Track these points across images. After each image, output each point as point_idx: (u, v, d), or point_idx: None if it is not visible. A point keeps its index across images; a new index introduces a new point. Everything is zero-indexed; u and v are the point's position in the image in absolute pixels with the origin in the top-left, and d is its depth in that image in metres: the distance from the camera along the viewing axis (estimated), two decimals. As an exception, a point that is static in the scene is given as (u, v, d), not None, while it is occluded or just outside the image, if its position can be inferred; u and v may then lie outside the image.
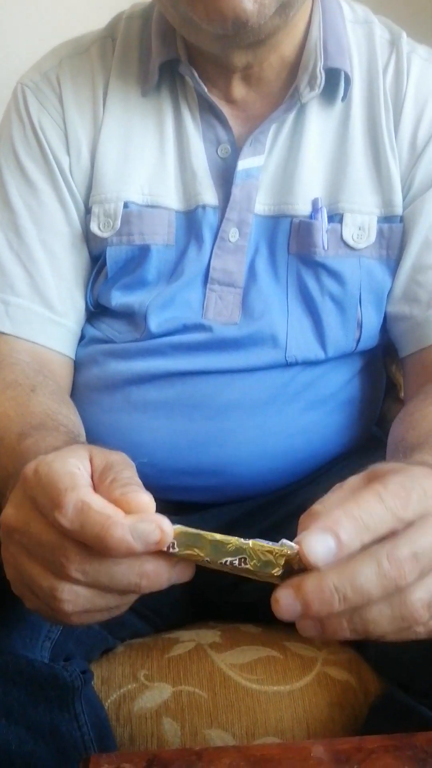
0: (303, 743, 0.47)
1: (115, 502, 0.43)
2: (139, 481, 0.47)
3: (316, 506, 0.44)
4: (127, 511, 0.43)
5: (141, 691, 0.70)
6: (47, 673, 0.62)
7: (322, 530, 0.39)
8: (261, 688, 0.70)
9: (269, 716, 0.68)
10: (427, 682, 0.62)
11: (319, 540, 0.39)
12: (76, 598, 0.43)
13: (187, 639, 0.75)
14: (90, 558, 0.42)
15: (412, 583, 0.41)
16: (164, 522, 0.43)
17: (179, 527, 0.44)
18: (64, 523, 0.42)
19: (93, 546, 0.42)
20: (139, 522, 0.42)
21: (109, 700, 0.70)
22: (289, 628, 0.78)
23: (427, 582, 0.42)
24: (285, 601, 0.40)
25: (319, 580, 0.39)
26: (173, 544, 0.43)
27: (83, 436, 0.69)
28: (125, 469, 0.47)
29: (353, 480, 0.46)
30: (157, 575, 0.43)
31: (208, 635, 0.76)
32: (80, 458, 0.47)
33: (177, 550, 0.43)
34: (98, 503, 0.42)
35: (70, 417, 0.72)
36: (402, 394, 0.96)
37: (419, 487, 0.43)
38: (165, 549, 0.43)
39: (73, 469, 0.45)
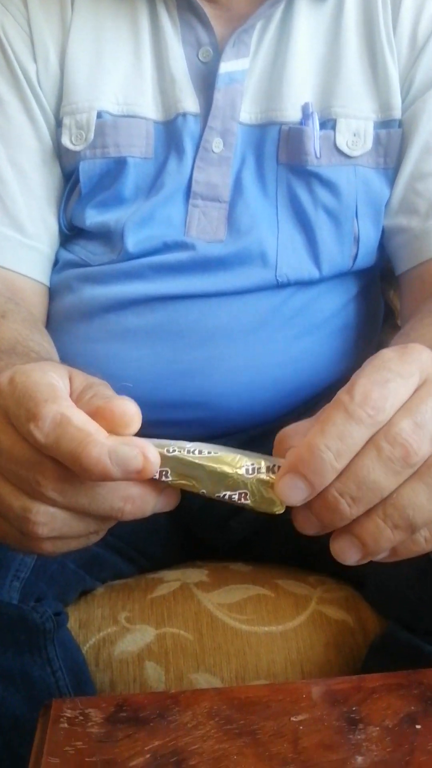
0: (294, 683, 0.42)
1: (97, 415, 0.37)
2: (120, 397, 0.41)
3: (289, 429, 0.39)
4: (110, 424, 0.37)
5: (122, 634, 0.65)
6: (15, 614, 0.58)
7: (290, 474, 0.35)
8: (251, 628, 0.65)
9: (260, 659, 0.64)
10: (433, 620, 0.57)
11: (288, 485, 0.35)
12: (51, 520, 0.37)
13: (172, 579, 0.70)
14: (69, 477, 0.37)
15: (428, 453, 0.35)
16: (149, 450, 0.36)
17: (176, 453, 0.38)
18: (39, 436, 0.36)
19: (68, 465, 0.36)
20: (121, 445, 0.36)
21: (87, 645, 0.65)
22: (281, 565, 0.74)
23: None
24: (297, 523, 0.37)
25: (323, 492, 0.35)
26: (166, 472, 0.37)
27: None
28: (107, 389, 0.41)
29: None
30: (143, 501, 0.38)
31: (194, 574, 0.71)
32: (60, 374, 0.41)
33: (170, 479, 0.37)
34: (79, 418, 0.36)
35: (43, 344, 0.66)
36: (399, 321, 0.90)
37: (393, 372, 0.36)
38: (156, 477, 0.37)
39: (52, 381, 0.39)
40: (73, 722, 0.41)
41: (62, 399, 0.37)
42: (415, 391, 0.36)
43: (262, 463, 0.38)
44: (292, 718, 0.39)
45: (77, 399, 0.40)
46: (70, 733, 0.40)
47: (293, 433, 0.38)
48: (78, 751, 0.38)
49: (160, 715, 0.40)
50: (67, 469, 0.36)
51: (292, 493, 0.35)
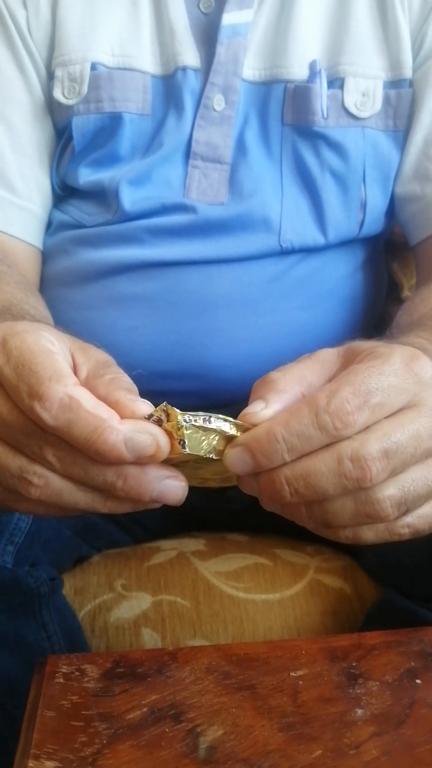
0: (293, 641, 0.42)
1: (116, 405, 0.36)
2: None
3: (274, 374, 0.39)
4: (121, 415, 0.36)
5: (118, 601, 0.65)
6: (8, 578, 0.57)
7: (242, 447, 0.35)
8: (248, 596, 0.64)
9: (257, 626, 0.63)
10: (431, 586, 0.57)
11: (237, 457, 0.36)
12: (46, 483, 0.37)
13: (169, 548, 0.70)
14: (69, 447, 0.36)
15: (380, 482, 0.35)
16: (161, 438, 0.36)
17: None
18: (47, 418, 0.34)
19: (77, 446, 0.35)
20: (136, 432, 0.35)
21: (82, 612, 0.65)
22: (279, 535, 0.74)
23: (402, 479, 0.36)
24: (239, 481, 0.38)
25: (272, 472, 0.35)
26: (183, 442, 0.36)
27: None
28: (124, 375, 0.40)
29: (325, 353, 0.40)
30: (137, 482, 0.36)
31: (191, 544, 0.70)
32: (57, 338, 0.39)
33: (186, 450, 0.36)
34: (89, 401, 0.35)
35: (38, 308, 0.64)
36: (403, 294, 0.89)
37: (384, 387, 0.35)
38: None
39: (48, 347, 0.37)
40: (68, 677, 0.40)
41: (67, 377, 0.36)
42: (401, 410, 0.36)
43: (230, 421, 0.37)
44: (291, 674, 0.38)
45: (90, 374, 0.39)
46: (66, 687, 0.39)
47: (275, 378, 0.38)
48: (74, 705, 0.38)
49: (157, 671, 0.40)
50: (64, 442, 0.36)
51: (239, 464, 0.36)
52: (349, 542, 0.37)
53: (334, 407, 0.34)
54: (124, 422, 0.35)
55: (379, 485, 0.35)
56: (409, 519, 0.37)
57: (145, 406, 0.37)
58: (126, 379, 0.39)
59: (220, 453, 0.36)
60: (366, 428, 0.35)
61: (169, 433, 0.36)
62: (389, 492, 0.35)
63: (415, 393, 0.36)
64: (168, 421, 0.36)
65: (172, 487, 0.37)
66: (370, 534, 0.37)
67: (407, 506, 0.36)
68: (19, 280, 0.66)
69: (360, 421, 0.34)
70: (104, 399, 0.36)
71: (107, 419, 0.35)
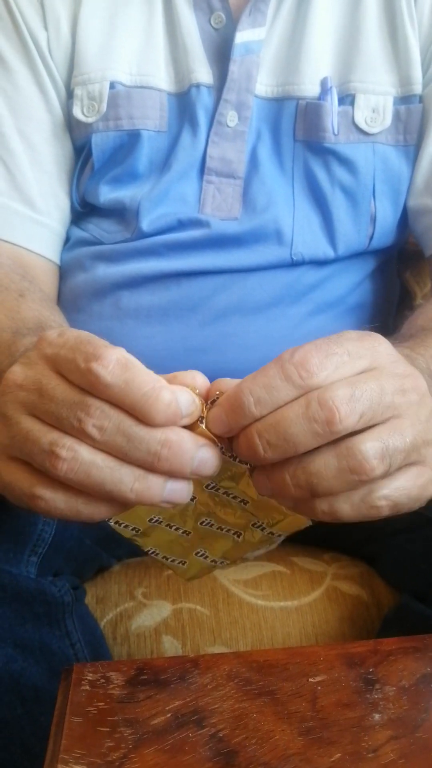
0: (311, 647, 0.42)
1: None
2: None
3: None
4: None
5: (139, 609, 0.66)
6: (33, 588, 0.58)
7: (218, 407, 0.37)
8: (267, 603, 0.65)
9: (276, 633, 0.64)
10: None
11: (214, 416, 0.38)
12: (74, 456, 0.36)
13: (188, 556, 0.71)
14: (112, 414, 0.36)
15: (352, 427, 0.35)
16: (197, 399, 0.38)
17: None
18: (105, 374, 0.36)
19: (131, 407, 0.36)
20: (180, 394, 0.37)
21: (104, 620, 0.66)
22: (297, 543, 0.75)
23: (378, 431, 0.36)
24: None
25: (246, 429, 0.37)
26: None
27: None
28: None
29: None
30: (180, 449, 0.37)
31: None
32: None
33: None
34: (141, 365, 0.37)
35: (60, 323, 0.66)
36: (416, 303, 0.89)
37: (342, 348, 0.37)
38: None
39: (100, 341, 0.38)
40: (94, 685, 0.41)
41: (118, 349, 0.37)
42: (361, 372, 0.37)
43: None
44: (310, 680, 0.39)
45: None
46: (92, 694, 0.40)
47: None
48: (100, 711, 0.39)
49: (180, 678, 0.41)
50: (112, 409, 0.36)
51: (216, 423, 0.37)
52: (326, 518, 0.37)
53: (298, 358, 0.36)
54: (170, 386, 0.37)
55: (359, 437, 0.36)
56: (386, 491, 0.37)
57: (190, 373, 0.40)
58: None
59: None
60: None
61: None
62: (370, 443, 0.36)
63: (372, 359, 0.38)
64: None
65: (209, 456, 0.38)
66: (345, 506, 0.37)
67: (390, 461, 0.36)
68: (42, 297, 0.68)
69: (323, 373, 0.36)
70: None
71: (159, 380, 0.37)
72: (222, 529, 0.45)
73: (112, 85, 0.72)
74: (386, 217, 0.74)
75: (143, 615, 0.66)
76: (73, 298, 0.76)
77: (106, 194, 0.74)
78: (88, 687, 0.41)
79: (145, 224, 0.72)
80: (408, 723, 0.36)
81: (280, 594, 0.66)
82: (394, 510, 0.38)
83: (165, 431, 0.36)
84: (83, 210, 0.77)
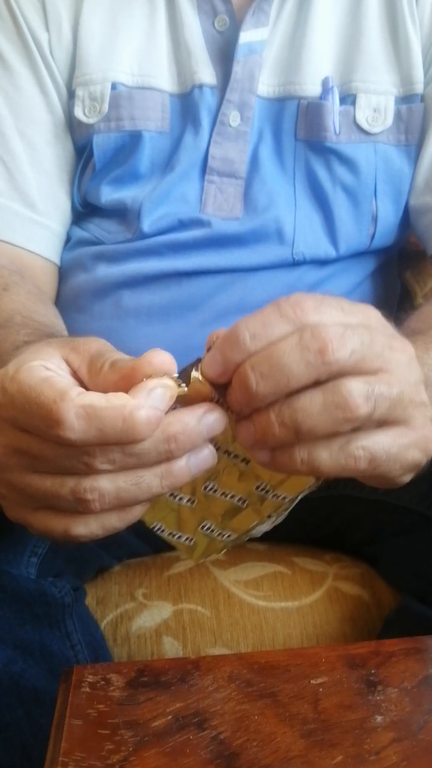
0: (312, 648, 0.42)
1: (130, 378, 0.37)
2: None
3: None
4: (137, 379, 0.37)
5: (139, 610, 0.66)
6: (33, 589, 0.58)
7: (214, 349, 0.37)
8: (268, 604, 0.65)
9: (277, 633, 0.64)
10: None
11: (210, 357, 0.37)
12: (101, 494, 0.37)
13: (188, 557, 0.71)
14: (111, 447, 0.36)
15: (344, 362, 0.35)
16: (167, 381, 0.37)
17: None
18: (75, 437, 0.35)
19: (117, 442, 0.36)
20: (151, 392, 0.36)
21: (104, 621, 0.66)
22: (298, 543, 0.75)
23: (367, 377, 0.36)
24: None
25: (240, 366, 0.36)
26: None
27: (62, 334, 0.62)
28: (116, 353, 0.40)
29: None
30: (186, 435, 0.37)
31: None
32: (46, 357, 0.39)
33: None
34: (99, 399, 0.36)
35: (48, 316, 0.65)
36: (417, 302, 0.89)
37: (336, 305, 0.37)
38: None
39: (43, 374, 0.37)
40: (94, 687, 0.41)
41: (69, 391, 0.36)
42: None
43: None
44: (312, 681, 0.39)
45: (89, 372, 0.39)
46: (92, 696, 0.40)
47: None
48: (100, 713, 0.39)
49: (180, 680, 0.41)
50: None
51: (212, 364, 0.37)
52: (304, 469, 0.37)
53: (294, 299, 0.37)
54: (136, 394, 0.36)
55: (347, 377, 0.36)
56: (366, 442, 0.37)
57: (152, 354, 0.38)
58: (119, 356, 0.39)
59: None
60: None
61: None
62: (356, 383, 0.36)
63: (365, 318, 0.38)
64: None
65: (213, 419, 0.37)
66: (324, 454, 0.36)
67: (374, 405, 0.36)
68: (30, 290, 0.68)
69: (317, 315, 0.36)
70: (115, 387, 0.37)
71: (126, 403, 0.35)
72: (226, 496, 0.44)
73: (113, 86, 0.72)
74: (387, 216, 0.74)
75: (144, 616, 0.65)
76: (73, 298, 0.76)
77: (108, 195, 0.74)
78: (88, 689, 0.41)
79: (147, 225, 0.72)
80: (410, 725, 0.36)
81: (281, 595, 0.66)
82: (371, 466, 0.37)
83: (164, 429, 0.36)
84: (84, 210, 0.77)
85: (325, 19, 0.71)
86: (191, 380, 0.38)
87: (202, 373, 0.38)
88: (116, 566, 0.72)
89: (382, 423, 0.37)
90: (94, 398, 0.35)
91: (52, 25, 0.72)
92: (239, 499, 0.44)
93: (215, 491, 0.44)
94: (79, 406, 0.35)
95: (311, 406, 0.35)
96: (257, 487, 0.43)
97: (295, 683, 0.39)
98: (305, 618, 0.64)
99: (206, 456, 0.38)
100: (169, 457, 0.37)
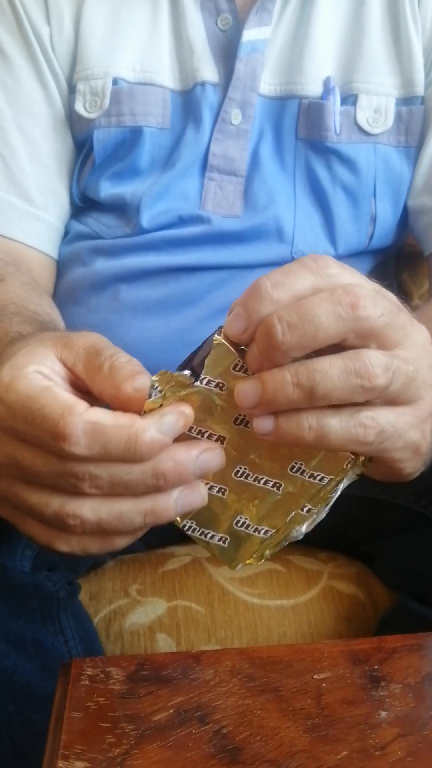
0: (315, 644, 0.42)
1: (123, 400, 0.36)
2: (136, 361, 0.39)
3: None
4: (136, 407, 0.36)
5: (133, 606, 0.65)
6: (27, 582, 0.57)
7: (237, 307, 0.37)
8: (262, 602, 0.65)
9: (271, 631, 0.64)
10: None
11: (233, 315, 0.37)
12: (81, 519, 0.36)
13: (183, 553, 0.70)
14: (102, 471, 0.36)
15: (374, 320, 0.35)
16: (185, 407, 0.37)
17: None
18: (80, 451, 0.35)
19: (120, 460, 0.35)
20: (162, 417, 0.36)
21: (98, 617, 0.65)
22: (292, 542, 0.74)
23: (388, 352, 0.36)
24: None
25: (267, 317, 0.35)
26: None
27: (56, 324, 0.62)
28: (116, 351, 0.39)
29: None
30: (177, 471, 0.36)
31: (205, 549, 0.70)
32: (39, 360, 0.38)
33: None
34: (107, 417, 0.35)
35: (43, 306, 0.64)
36: (413, 303, 0.90)
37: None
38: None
39: (41, 383, 0.36)
40: (94, 680, 0.41)
41: (76, 405, 0.35)
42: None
43: None
44: (315, 676, 0.39)
45: (88, 372, 0.38)
46: (92, 689, 0.40)
47: None
48: (100, 707, 0.38)
49: (182, 673, 0.40)
50: (99, 466, 0.35)
51: (235, 320, 0.36)
52: (311, 436, 0.36)
53: (318, 257, 0.36)
54: (147, 417, 0.35)
55: (367, 349, 0.35)
56: (375, 413, 0.36)
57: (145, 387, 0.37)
58: (122, 359, 0.38)
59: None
60: None
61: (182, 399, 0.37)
62: (377, 353, 0.35)
63: (385, 291, 0.38)
64: (169, 385, 0.37)
65: (208, 458, 0.37)
66: (334, 421, 0.36)
67: (392, 377, 0.36)
68: (25, 281, 0.67)
69: (338, 270, 0.36)
70: (116, 396, 0.36)
71: (133, 423, 0.35)
72: (259, 481, 0.41)
73: (115, 81, 0.71)
74: (386, 217, 0.75)
75: (137, 612, 0.65)
76: (71, 291, 0.76)
77: (107, 190, 0.73)
78: (87, 682, 0.40)
79: (146, 220, 0.71)
80: (415, 721, 0.35)
81: (276, 593, 0.65)
82: (379, 439, 0.37)
83: (155, 464, 0.36)
84: (83, 205, 0.77)
85: (327, 19, 0.71)
86: (213, 345, 0.37)
87: (224, 336, 0.37)
88: (110, 562, 0.71)
89: (391, 401, 0.37)
90: (101, 415, 0.35)
91: (54, 18, 0.71)
92: (274, 484, 0.41)
93: (247, 477, 0.42)
94: (86, 422, 0.35)
95: (331, 369, 0.35)
96: (291, 468, 0.41)
97: (297, 678, 0.39)
98: (300, 616, 0.64)
99: (196, 498, 0.38)
100: (156, 489, 0.36)
